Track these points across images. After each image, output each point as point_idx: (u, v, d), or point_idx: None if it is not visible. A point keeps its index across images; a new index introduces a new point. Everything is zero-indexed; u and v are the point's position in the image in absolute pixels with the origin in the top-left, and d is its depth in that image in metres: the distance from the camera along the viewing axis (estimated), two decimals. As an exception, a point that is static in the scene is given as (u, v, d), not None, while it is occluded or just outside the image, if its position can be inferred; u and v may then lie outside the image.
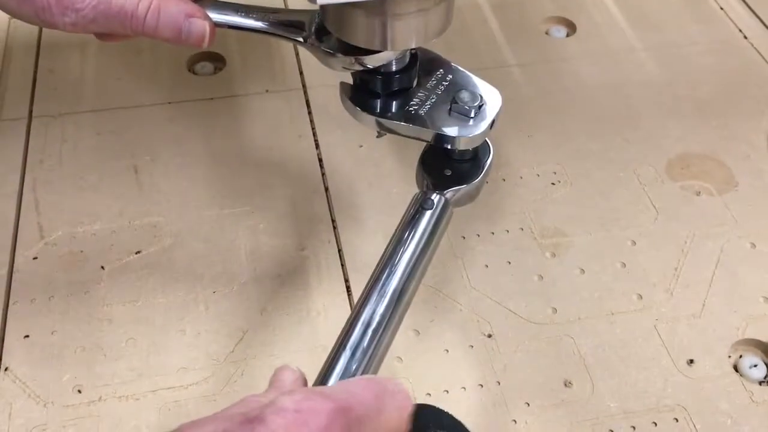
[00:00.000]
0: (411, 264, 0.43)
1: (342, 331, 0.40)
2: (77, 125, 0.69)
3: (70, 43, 0.75)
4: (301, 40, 0.45)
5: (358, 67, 0.44)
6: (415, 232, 0.44)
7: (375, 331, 0.40)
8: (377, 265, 0.43)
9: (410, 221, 0.44)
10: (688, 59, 0.77)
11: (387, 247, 0.44)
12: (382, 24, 0.40)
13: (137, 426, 0.50)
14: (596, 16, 0.81)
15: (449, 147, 0.46)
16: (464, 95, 0.46)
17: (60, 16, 0.43)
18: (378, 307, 0.40)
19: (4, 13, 0.45)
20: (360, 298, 0.41)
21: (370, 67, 0.44)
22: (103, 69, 0.74)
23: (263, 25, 0.46)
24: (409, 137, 0.47)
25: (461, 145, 0.46)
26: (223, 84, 0.73)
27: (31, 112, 0.70)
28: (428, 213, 0.45)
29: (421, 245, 0.43)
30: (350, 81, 0.47)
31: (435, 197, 0.45)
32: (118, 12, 0.43)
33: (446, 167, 0.48)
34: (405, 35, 0.41)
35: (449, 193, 0.46)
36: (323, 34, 0.45)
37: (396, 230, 0.44)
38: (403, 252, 0.43)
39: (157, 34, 0.44)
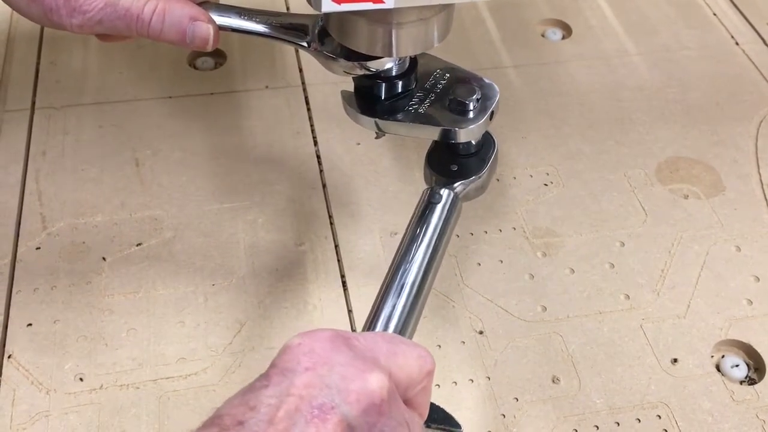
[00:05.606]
0: (426, 258, 0.44)
1: (363, 326, 0.41)
2: (79, 118, 0.70)
3: (72, 36, 0.76)
4: (304, 44, 0.46)
5: (360, 72, 0.45)
6: (427, 226, 0.45)
7: (396, 326, 0.41)
8: (392, 262, 0.44)
9: (421, 216, 0.46)
10: (680, 64, 0.78)
11: (400, 243, 0.44)
12: (385, 31, 0.41)
13: (137, 414, 0.51)
14: (591, 20, 0.83)
15: (452, 142, 0.47)
16: (461, 90, 0.47)
17: (68, 18, 0.44)
18: (398, 302, 0.42)
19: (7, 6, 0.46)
20: (378, 294, 0.42)
21: (373, 71, 0.45)
22: (104, 62, 0.75)
23: (266, 29, 0.47)
24: (410, 137, 0.48)
25: (462, 138, 0.47)
26: (223, 79, 0.74)
27: (33, 103, 0.71)
28: (438, 207, 0.46)
29: (434, 239, 0.45)
30: (350, 87, 0.48)
31: (444, 191, 0.47)
32: (124, 15, 0.44)
33: (452, 163, 0.49)
34: (407, 42, 0.42)
35: (459, 187, 0.48)
36: (325, 37, 0.46)
37: (408, 227, 0.46)
38: (418, 247, 0.44)
39: (161, 36, 0.45)
